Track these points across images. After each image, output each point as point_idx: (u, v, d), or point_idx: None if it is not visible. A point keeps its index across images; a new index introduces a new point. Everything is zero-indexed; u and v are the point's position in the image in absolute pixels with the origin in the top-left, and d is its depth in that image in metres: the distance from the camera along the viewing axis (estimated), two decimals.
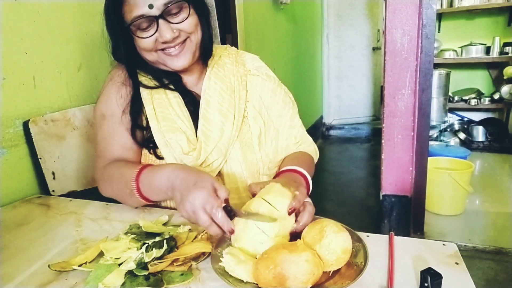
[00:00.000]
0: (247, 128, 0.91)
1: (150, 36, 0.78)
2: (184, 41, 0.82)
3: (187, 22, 0.80)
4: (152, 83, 0.87)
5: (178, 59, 0.82)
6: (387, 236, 0.65)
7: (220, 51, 0.97)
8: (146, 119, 0.86)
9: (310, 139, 1.02)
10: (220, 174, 0.88)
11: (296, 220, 0.63)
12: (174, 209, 0.85)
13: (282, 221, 0.61)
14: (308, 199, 0.68)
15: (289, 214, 0.62)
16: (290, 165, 0.86)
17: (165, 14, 0.77)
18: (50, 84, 1.06)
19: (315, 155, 1.02)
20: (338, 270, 0.56)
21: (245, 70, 0.96)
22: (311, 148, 1.00)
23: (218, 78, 0.91)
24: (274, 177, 0.89)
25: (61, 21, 1.09)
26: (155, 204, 0.88)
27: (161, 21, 0.77)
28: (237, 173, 0.88)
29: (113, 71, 0.90)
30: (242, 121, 0.90)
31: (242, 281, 0.54)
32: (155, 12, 0.76)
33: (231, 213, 0.61)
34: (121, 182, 0.79)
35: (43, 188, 1.01)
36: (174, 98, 0.87)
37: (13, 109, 0.96)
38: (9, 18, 0.94)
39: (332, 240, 0.54)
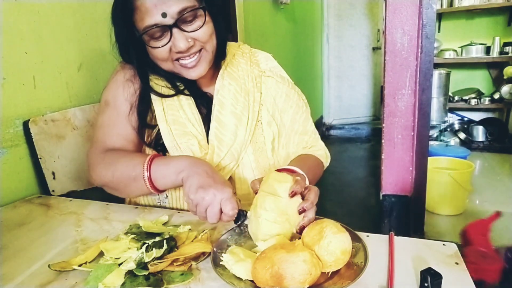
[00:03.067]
0: (260, 133, 0.89)
1: (163, 46, 0.75)
2: (199, 51, 0.78)
3: (201, 30, 0.75)
4: (164, 89, 0.84)
5: (194, 70, 0.79)
6: (387, 236, 0.65)
7: (234, 49, 0.94)
8: (154, 118, 0.84)
9: (322, 144, 1.00)
10: (231, 179, 0.86)
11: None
12: (174, 209, 0.85)
13: (288, 207, 0.62)
14: (310, 185, 0.69)
15: (290, 197, 0.63)
16: (287, 166, 0.84)
17: (179, 23, 0.73)
18: (50, 84, 1.06)
19: (325, 159, 0.99)
20: (338, 270, 0.56)
21: (259, 71, 0.93)
22: (321, 152, 0.98)
23: (232, 78, 0.88)
24: None
25: (61, 21, 1.09)
26: (155, 204, 0.88)
27: (175, 30, 0.73)
28: (249, 178, 0.86)
29: (124, 65, 0.87)
30: (255, 125, 0.88)
31: (241, 279, 0.54)
32: (169, 21, 0.72)
33: (242, 215, 0.67)
34: (128, 165, 0.76)
35: (43, 188, 1.01)
36: (186, 101, 0.84)
37: (13, 109, 0.96)
38: (9, 18, 0.94)
39: (331, 241, 0.54)
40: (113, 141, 0.83)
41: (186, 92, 0.85)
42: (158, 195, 0.87)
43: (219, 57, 0.87)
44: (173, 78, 0.85)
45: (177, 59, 0.78)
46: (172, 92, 0.84)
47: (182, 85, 0.85)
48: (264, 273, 0.50)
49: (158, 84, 0.85)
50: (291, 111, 0.93)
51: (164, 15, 0.71)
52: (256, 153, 0.87)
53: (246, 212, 0.66)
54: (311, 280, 0.50)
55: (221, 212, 0.65)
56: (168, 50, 0.76)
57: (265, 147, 0.88)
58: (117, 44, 0.82)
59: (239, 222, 0.67)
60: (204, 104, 0.87)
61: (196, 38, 0.76)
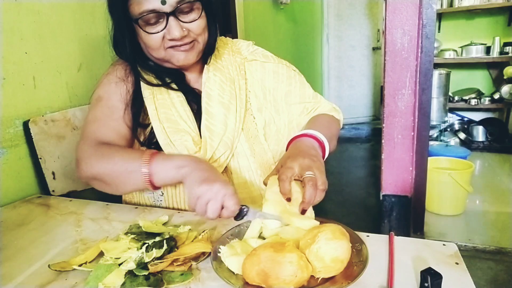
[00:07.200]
0: (251, 120, 0.90)
1: (158, 32, 0.76)
2: (191, 42, 0.80)
3: (196, 23, 0.78)
4: (154, 81, 0.86)
5: (185, 56, 0.81)
6: (387, 236, 0.65)
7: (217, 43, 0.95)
8: (146, 117, 0.85)
9: (325, 101, 1.00)
10: (226, 169, 0.87)
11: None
12: (174, 209, 0.85)
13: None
14: (309, 173, 0.66)
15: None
16: (301, 131, 0.82)
17: (176, 12, 0.75)
18: (50, 84, 1.06)
19: (334, 112, 0.99)
20: (332, 277, 0.54)
21: (241, 58, 0.94)
22: (327, 108, 0.98)
23: (217, 69, 0.90)
24: (287, 148, 0.82)
25: (61, 21, 1.09)
26: (151, 203, 0.88)
27: (171, 18, 0.75)
28: (245, 167, 0.87)
29: (115, 66, 0.89)
30: (245, 112, 0.89)
31: (233, 272, 0.55)
32: (167, 8, 0.74)
33: (244, 211, 0.66)
34: (126, 158, 0.74)
35: (43, 188, 1.01)
36: (177, 98, 0.85)
37: (13, 109, 0.96)
38: (9, 18, 0.94)
39: (321, 247, 0.53)
40: (105, 134, 0.81)
41: (175, 86, 0.86)
42: (153, 192, 0.87)
43: (208, 53, 0.88)
44: (162, 73, 0.86)
45: (170, 47, 0.79)
46: (161, 83, 0.85)
47: (170, 80, 0.87)
48: (251, 269, 0.51)
49: (148, 77, 0.86)
50: (283, 86, 0.95)
51: (163, 2, 0.73)
52: (249, 140, 0.89)
53: (247, 209, 0.66)
54: (297, 282, 0.50)
55: (221, 208, 0.65)
56: (161, 38, 0.77)
57: (258, 133, 0.90)
58: (112, 32, 0.83)
59: (240, 218, 0.66)
60: (194, 100, 0.88)
61: (190, 29, 0.78)
